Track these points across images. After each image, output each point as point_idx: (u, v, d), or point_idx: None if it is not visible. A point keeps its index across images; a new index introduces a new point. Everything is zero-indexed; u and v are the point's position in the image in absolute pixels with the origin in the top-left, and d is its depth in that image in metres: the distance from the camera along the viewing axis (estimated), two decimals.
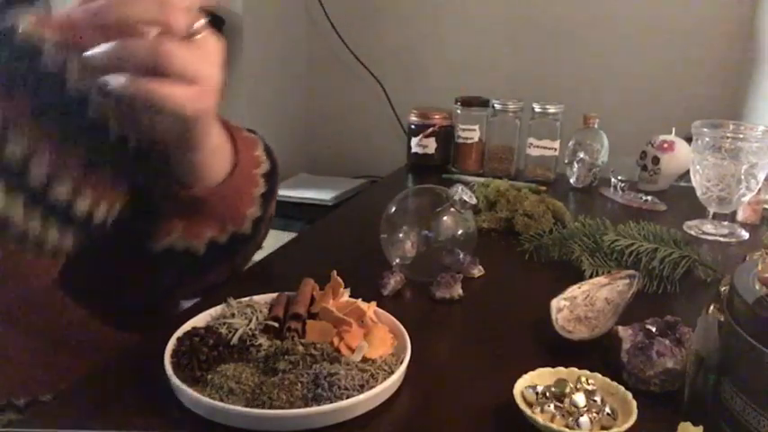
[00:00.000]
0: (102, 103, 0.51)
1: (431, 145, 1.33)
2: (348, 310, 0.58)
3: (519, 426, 0.47)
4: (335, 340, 0.55)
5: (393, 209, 0.76)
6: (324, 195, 1.57)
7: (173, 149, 0.57)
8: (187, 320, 0.58)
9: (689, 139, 1.05)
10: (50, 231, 0.51)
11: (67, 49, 0.49)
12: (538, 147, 1.26)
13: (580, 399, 0.47)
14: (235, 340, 0.55)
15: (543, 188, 1.15)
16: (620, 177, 1.17)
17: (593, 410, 0.47)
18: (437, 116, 1.33)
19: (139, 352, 0.59)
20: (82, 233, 0.53)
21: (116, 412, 0.49)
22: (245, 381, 0.50)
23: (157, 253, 0.64)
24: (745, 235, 0.97)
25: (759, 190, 0.95)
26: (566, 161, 1.24)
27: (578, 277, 0.73)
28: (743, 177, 0.92)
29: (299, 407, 0.47)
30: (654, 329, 0.56)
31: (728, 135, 0.92)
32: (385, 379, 0.51)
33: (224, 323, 0.57)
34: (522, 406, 0.48)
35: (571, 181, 1.23)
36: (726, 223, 0.98)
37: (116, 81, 0.46)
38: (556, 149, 1.26)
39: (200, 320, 0.59)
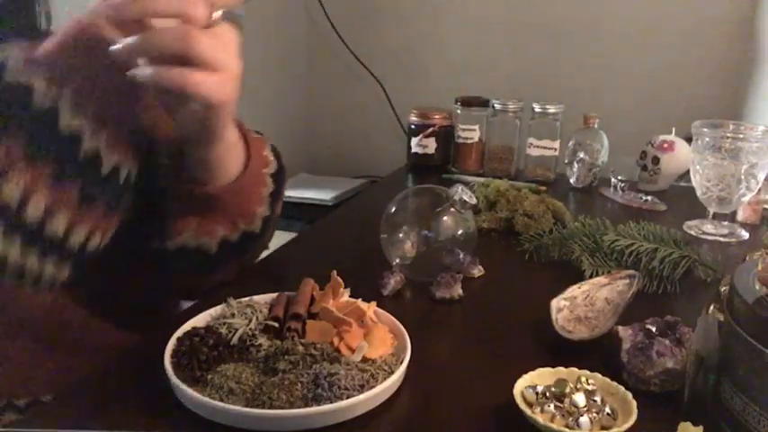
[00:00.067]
0: (94, 137, 0.51)
1: (431, 145, 1.33)
2: (348, 310, 0.58)
3: (519, 426, 0.47)
4: (335, 340, 0.55)
5: (393, 209, 0.76)
6: (324, 195, 1.57)
7: (193, 142, 0.59)
8: (187, 320, 0.58)
9: (689, 139, 1.05)
10: (47, 266, 0.52)
11: (59, 84, 0.49)
12: (538, 147, 1.26)
13: (580, 399, 0.47)
14: (235, 340, 0.55)
15: (543, 188, 1.15)
16: (620, 177, 1.17)
17: (593, 410, 0.47)
18: (437, 116, 1.33)
19: (139, 352, 0.59)
20: (77, 263, 0.53)
21: (116, 412, 0.49)
22: (245, 381, 0.50)
23: (170, 251, 0.65)
24: (745, 235, 0.97)
25: (759, 190, 0.95)
26: (566, 161, 1.24)
27: (578, 277, 0.73)
28: (743, 177, 0.92)
29: (299, 407, 0.47)
30: (654, 329, 0.56)
31: (728, 135, 0.92)
32: (385, 379, 0.51)
33: (224, 323, 0.58)
34: (522, 406, 0.48)
35: (571, 181, 1.23)
36: (726, 223, 0.98)
37: (145, 72, 0.48)
38: (556, 149, 1.26)
39: (200, 320, 0.59)
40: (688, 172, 1.03)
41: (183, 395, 0.49)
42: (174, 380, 0.49)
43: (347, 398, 0.48)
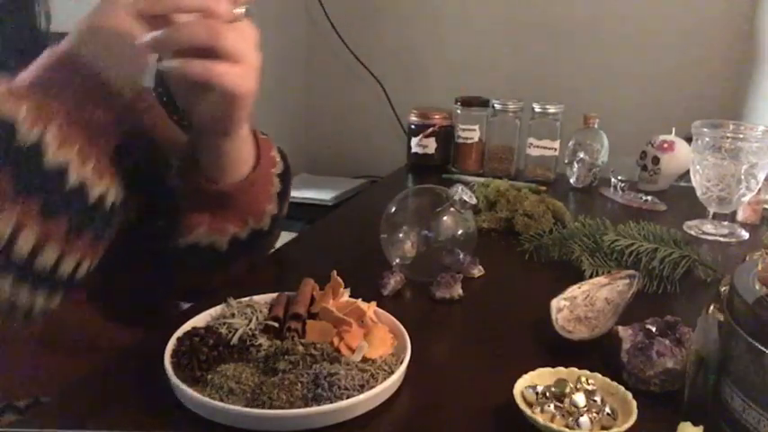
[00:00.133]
0: (79, 168, 0.51)
1: (431, 145, 1.33)
2: (348, 310, 0.58)
3: (519, 426, 0.47)
4: (335, 340, 0.55)
5: (393, 209, 0.76)
6: (324, 195, 1.57)
7: (210, 134, 0.60)
8: (187, 320, 0.58)
9: (689, 139, 1.05)
10: (38, 299, 0.52)
11: (42, 118, 0.49)
12: (538, 147, 1.26)
13: (580, 399, 0.47)
14: (235, 340, 0.55)
15: (543, 188, 1.15)
16: (620, 177, 1.17)
17: (593, 410, 0.47)
18: (437, 116, 1.33)
19: (139, 352, 0.59)
20: (67, 290, 0.54)
21: (116, 412, 0.49)
22: (245, 381, 0.50)
23: (182, 249, 0.66)
24: (745, 235, 0.97)
25: (759, 190, 0.95)
26: (566, 161, 1.24)
27: (578, 277, 0.73)
28: (743, 177, 0.92)
29: (299, 407, 0.47)
30: (654, 329, 0.56)
31: (728, 135, 0.92)
32: (385, 379, 0.51)
33: (224, 323, 0.58)
34: (522, 406, 0.48)
35: (571, 181, 1.23)
36: (726, 223, 0.98)
37: (171, 64, 0.50)
38: (556, 149, 1.26)
39: (200, 320, 0.59)
40: (688, 172, 1.03)
41: (183, 395, 0.49)
42: (174, 380, 0.49)
43: (347, 398, 0.48)
